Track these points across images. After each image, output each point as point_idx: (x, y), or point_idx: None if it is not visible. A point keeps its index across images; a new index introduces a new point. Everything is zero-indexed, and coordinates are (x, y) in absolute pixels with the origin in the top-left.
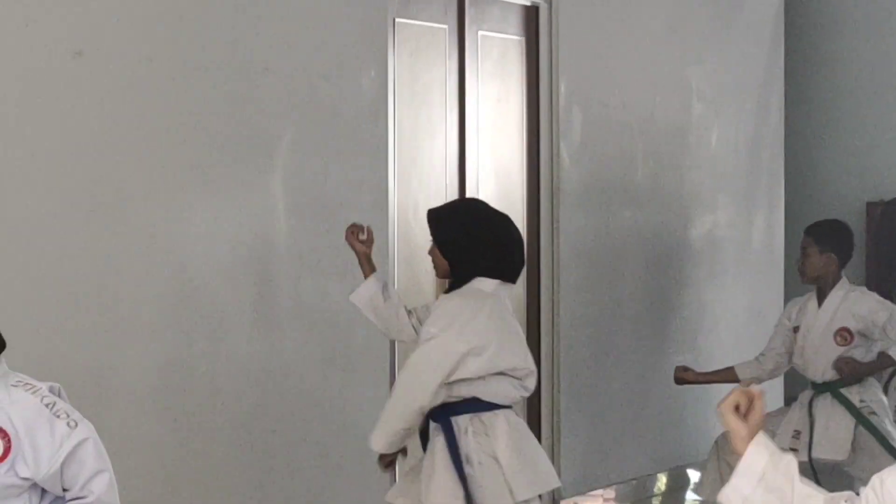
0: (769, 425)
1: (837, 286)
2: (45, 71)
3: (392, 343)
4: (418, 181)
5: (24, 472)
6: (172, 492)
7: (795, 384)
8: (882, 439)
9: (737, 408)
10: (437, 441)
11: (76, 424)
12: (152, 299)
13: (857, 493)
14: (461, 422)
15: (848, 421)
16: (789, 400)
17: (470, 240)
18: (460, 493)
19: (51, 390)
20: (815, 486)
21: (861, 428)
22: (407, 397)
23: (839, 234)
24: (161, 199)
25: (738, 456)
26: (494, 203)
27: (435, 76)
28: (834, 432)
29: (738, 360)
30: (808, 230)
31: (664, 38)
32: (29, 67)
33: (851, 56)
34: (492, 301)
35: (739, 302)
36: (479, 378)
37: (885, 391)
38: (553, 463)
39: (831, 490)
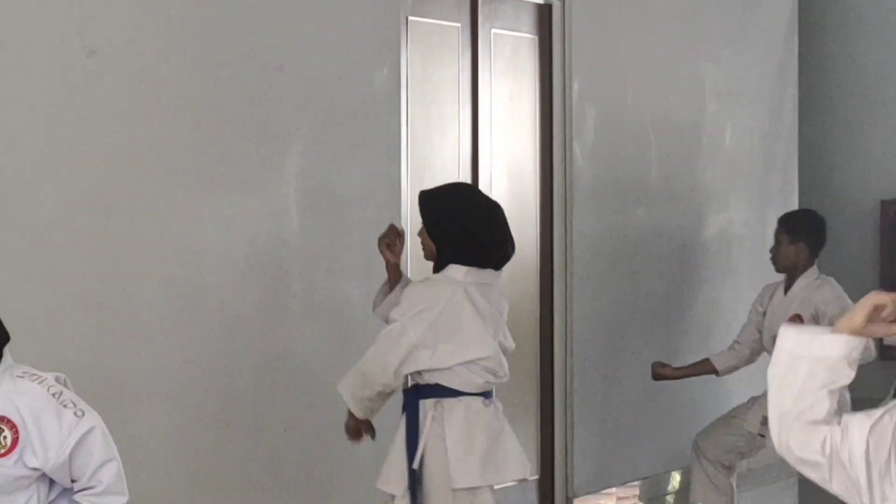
0: (740, 412)
1: (805, 274)
2: (58, 70)
3: None
4: (431, 179)
5: (33, 462)
6: (186, 489)
7: None
8: None
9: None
10: (402, 422)
11: (83, 414)
12: (166, 298)
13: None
14: (426, 406)
15: None
16: None
17: (449, 223)
18: (405, 473)
19: (56, 380)
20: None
21: None
22: (369, 373)
23: (810, 223)
24: (175, 198)
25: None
26: (507, 201)
27: (448, 74)
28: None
29: None
30: (779, 220)
31: (678, 36)
32: (43, 66)
33: (865, 55)
34: (458, 290)
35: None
36: (445, 367)
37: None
38: (566, 461)
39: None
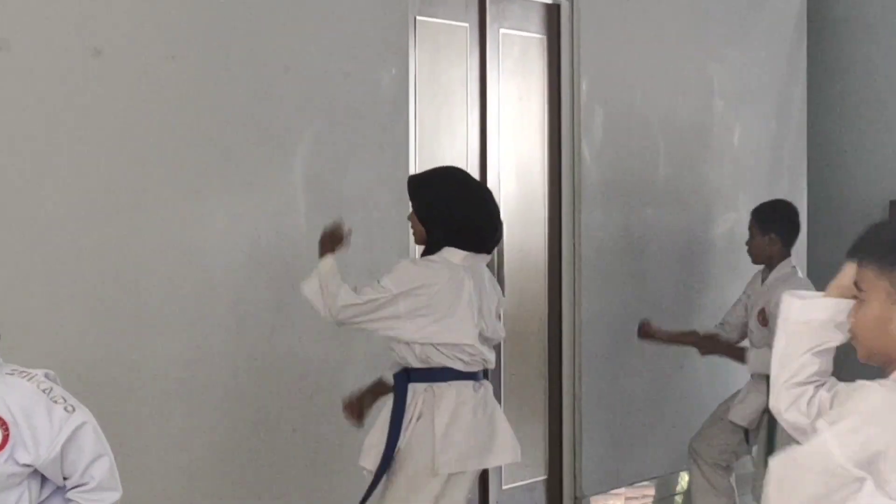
0: (724, 407)
1: (779, 266)
2: (63, 70)
3: None
4: None
5: (24, 459)
6: (192, 490)
7: None
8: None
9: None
10: (388, 403)
11: (74, 409)
12: (172, 298)
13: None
14: (417, 389)
15: (763, 396)
16: None
17: (442, 207)
18: (380, 451)
19: (46, 377)
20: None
21: None
22: (329, 300)
23: (782, 214)
24: (181, 198)
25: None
26: (516, 201)
27: (456, 74)
28: (748, 403)
29: None
30: (752, 212)
31: (686, 36)
32: (48, 66)
33: (874, 55)
34: (453, 273)
35: None
36: (431, 346)
37: None
38: (574, 462)
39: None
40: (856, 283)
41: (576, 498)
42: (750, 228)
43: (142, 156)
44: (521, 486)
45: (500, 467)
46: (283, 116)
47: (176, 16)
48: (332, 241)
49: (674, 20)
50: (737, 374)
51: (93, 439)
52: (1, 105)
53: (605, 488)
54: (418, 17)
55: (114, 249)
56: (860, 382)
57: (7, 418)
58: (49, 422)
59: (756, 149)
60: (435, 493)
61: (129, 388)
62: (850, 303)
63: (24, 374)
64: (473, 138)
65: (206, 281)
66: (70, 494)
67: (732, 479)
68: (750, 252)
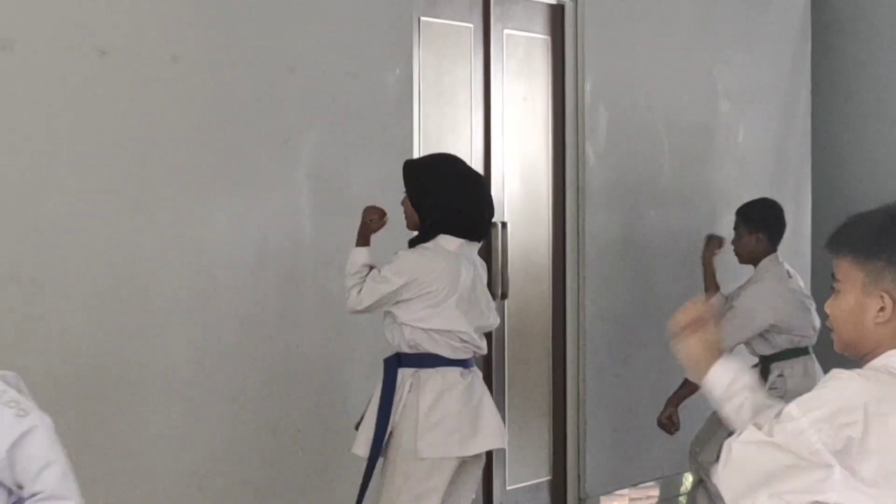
0: None
1: (764, 262)
2: (69, 70)
3: None
4: None
5: None
6: (199, 489)
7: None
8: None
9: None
10: (377, 387)
11: (26, 413)
12: (177, 298)
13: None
14: (404, 374)
15: None
16: None
17: (434, 193)
18: (370, 437)
19: (4, 379)
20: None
21: None
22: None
23: (767, 213)
24: (186, 198)
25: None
26: (520, 202)
27: (460, 75)
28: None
29: None
30: (737, 211)
31: (690, 37)
32: (53, 66)
33: (878, 55)
34: (451, 259)
35: None
36: (422, 330)
37: None
38: (579, 462)
39: None
40: (833, 275)
41: (580, 499)
42: (736, 228)
43: (146, 156)
44: (526, 486)
45: (505, 468)
46: (287, 117)
47: (180, 16)
48: (371, 230)
49: (678, 21)
50: None
51: (44, 445)
52: (5, 105)
53: (609, 489)
54: (422, 18)
55: (117, 250)
56: (836, 371)
57: None
58: None
59: (760, 149)
60: (420, 477)
61: (134, 389)
62: (728, 369)
63: None
64: (477, 139)
65: (210, 281)
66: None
67: None
68: (737, 252)
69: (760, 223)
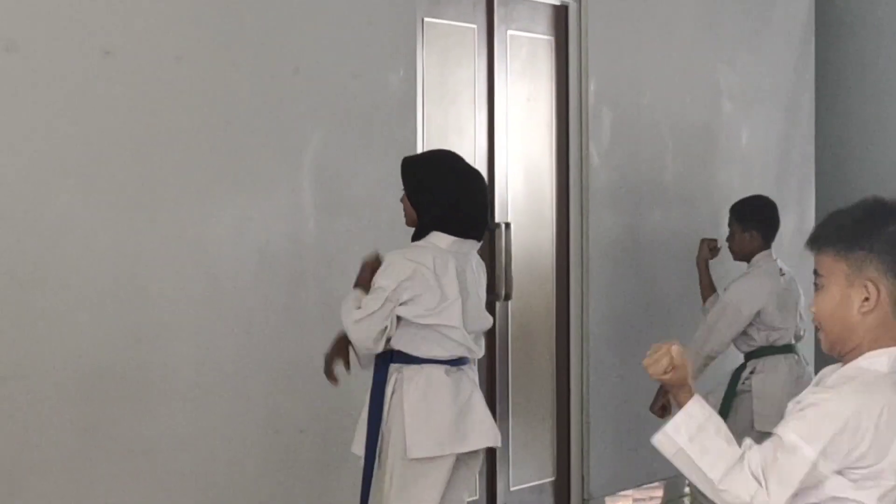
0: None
1: (757, 258)
2: (74, 70)
3: None
4: None
5: None
6: (201, 491)
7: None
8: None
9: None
10: (370, 385)
11: None
12: (181, 299)
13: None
14: (392, 370)
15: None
16: None
17: (430, 190)
18: (361, 437)
19: None
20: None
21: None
22: (356, 339)
23: (760, 210)
24: (189, 198)
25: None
26: (524, 202)
27: (464, 76)
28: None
29: None
30: (731, 208)
31: (694, 37)
32: (58, 67)
33: (881, 56)
34: (440, 257)
35: None
36: (413, 328)
37: None
38: (582, 463)
39: None
40: (815, 271)
41: (584, 499)
42: (730, 225)
43: (149, 156)
44: (530, 487)
45: (508, 469)
46: (292, 118)
47: (185, 17)
48: (371, 272)
49: (682, 21)
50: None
51: None
52: (9, 105)
53: (613, 489)
54: (426, 19)
55: (120, 250)
56: (829, 391)
57: None
58: None
59: (764, 150)
60: (413, 477)
61: (136, 390)
62: (702, 405)
63: None
64: (481, 140)
65: (212, 281)
66: None
67: None
68: (731, 249)
69: (753, 220)
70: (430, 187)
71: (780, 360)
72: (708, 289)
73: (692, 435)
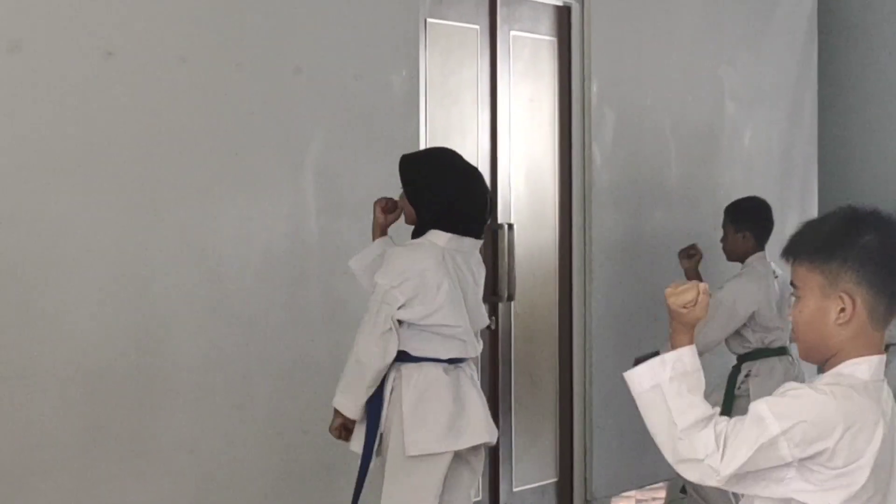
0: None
1: (749, 260)
2: (76, 71)
3: None
4: None
5: None
6: (204, 491)
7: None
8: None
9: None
10: None
11: None
12: (183, 300)
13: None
14: (390, 369)
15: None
16: None
17: (428, 187)
18: (360, 435)
19: None
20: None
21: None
22: (365, 362)
23: (753, 211)
24: (192, 200)
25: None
26: (526, 203)
27: (466, 76)
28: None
29: None
30: (725, 210)
31: (697, 38)
32: (60, 68)
33: (884, 57)
34: (439, 255)
35: None
36: (415, 327)
37: None
38: (585, 464)
39: None
40: (792, 283)
41: (587, 500)
42: (723, 226)
43: (152, 157)
44: (532, 488)
45: (511, 469)
46: (294, 118)
47: (187, 17)
48: (378, 223)
49: (684, 22)
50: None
51: None
52: (13, 106)
53: (616, 490)
54: (429, 20)
55: (123, 251)
56: (813, 386)
57: None
58: None
59: (767, 151)
60: (412, 474)
61: (140, 390)
62: (695, 355)
63: None
64: (484, 140)
65: (216, 282)
66: None
67: None
68: (724, 250)
69: (746, 221)
70: (428, 185)
71: (775, 363)
72: None
73: (676, 376)
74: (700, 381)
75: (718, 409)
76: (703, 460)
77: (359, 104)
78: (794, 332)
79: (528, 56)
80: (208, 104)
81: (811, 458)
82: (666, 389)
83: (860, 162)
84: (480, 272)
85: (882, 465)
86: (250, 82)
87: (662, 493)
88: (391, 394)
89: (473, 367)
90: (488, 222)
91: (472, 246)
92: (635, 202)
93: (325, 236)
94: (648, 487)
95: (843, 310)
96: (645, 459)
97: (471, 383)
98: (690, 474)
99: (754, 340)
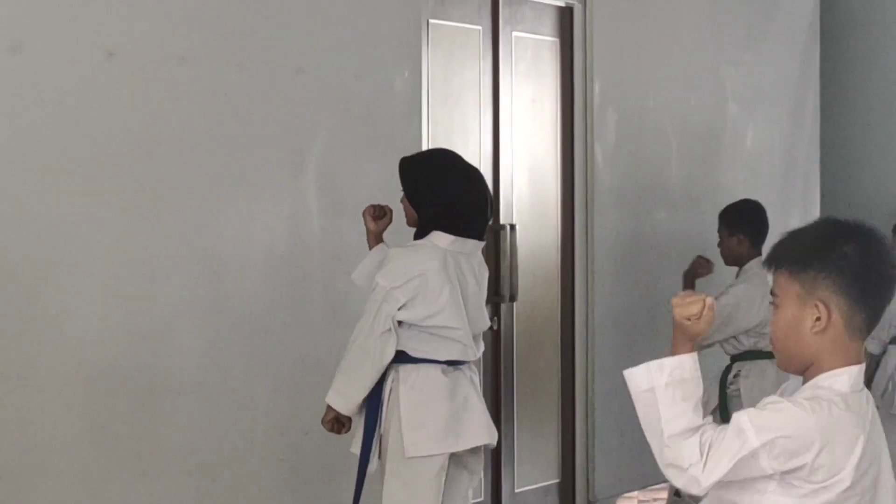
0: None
1: (747, 266)
2: (77, 72)
3: None
4: None
5: None
6: (207, 492)
7: None
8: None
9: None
10: None
11: None
12: (186, 300)
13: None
14: (389, 370)
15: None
16: None
17: (433, 189)
18: (359, 437)
19: None
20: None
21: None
22: (364, 361)
23: (747, 214)
24: (194, 200)
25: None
26: (528, 204)
27: (469, 77)
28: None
29: None
30: (719, 214)
31: (699, 39)
32: (62, 68)
33: (886, 57)
34: (440, 256)
35: None
36: (414, 329)
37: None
38: (587, 465)
39: None
40: (772, 291)
41: (589, 501)
42: (719, 231)
43: (154, 158)
44: (535, 489)
45: (513, 470)
46: (296, 119)
47: (188, 18)
48: (369, 229)
49: (686, 23)
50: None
51: None
52: (14, 107)
53: (618, 491)
54: (431, 20)
55: (125, 252)
56: (794, 400)
57: None
58: None
59: (769, 151)
60: (411, 476)
61: (142, 391)
62: (696, 365)
63: None
64: (486, 141)
65: (218, 283)
66: None
67: None
68: (721, 254)
69: (740, 224)
70: (429, 186)
71: (767, 366)
72: None
73: (672, 382)
74: (697, 389)
75: (710, 419)
76: (686, 469)
77: (360, 105)
78: (772, 342)
79: (530, 57)
80: (209, 105)
81: (791, 472)
82: (660, 395)
83: (862, 162)
84: (483, 274)
85: (864, 475)
86: (251, 83)
87: (664, 494)
88: (389, 395)
89: (474, 369)
90: (490, 223)
91: (474, 247)
92: (637, 203)
93: (327, 237)
94: (651, 488)
95: (818, 318)
96: (647, 460)
97: (470, 385)
98: (676, 481)
99: (748, 343)
